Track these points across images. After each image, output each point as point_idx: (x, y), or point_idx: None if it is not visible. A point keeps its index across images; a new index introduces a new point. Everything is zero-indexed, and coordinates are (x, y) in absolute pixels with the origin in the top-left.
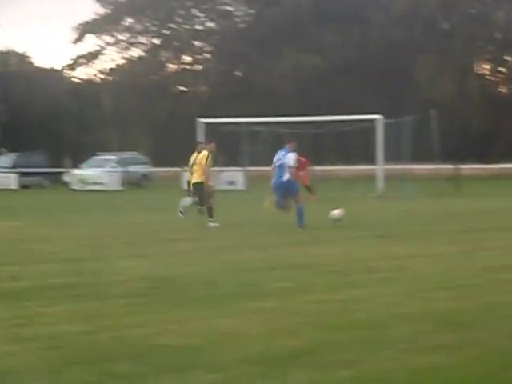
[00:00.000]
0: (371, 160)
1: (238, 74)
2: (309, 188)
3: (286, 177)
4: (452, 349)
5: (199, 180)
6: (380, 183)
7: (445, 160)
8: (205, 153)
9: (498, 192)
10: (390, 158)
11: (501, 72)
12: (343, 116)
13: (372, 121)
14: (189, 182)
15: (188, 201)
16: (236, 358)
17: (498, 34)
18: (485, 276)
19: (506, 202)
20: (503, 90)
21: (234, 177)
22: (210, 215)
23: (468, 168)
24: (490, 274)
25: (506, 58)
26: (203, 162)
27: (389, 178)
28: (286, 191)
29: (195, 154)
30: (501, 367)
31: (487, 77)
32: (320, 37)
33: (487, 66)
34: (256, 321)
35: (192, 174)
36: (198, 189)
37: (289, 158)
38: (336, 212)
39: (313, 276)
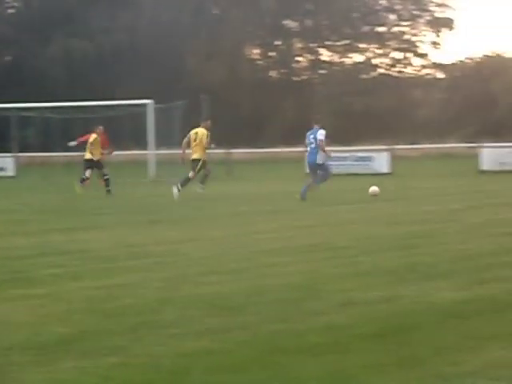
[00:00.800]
0: (143, 145)
1: (8, 58)
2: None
3: (318, 158)
4: (221, 333)
5: (197, 157)
6: (152, 168)
7: (216, 144)
8: (204, 131)
9: (269, 176)
10: (162, 142)
11: (271, 57)
12: (114, 101)
13: (143, 105)
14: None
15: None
16: (2, 346)
17: (267, 20)
18: (256, 259)
19: (277, 185)
20: (273, 74)
21: (3, 163)
22: (202, 182)
23: (240, 152)
24: (261, 258)
25: (276, 42)
26: (204, 140)
27: (160, 162)
28: (316, 169)
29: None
30: (269, 351)
31: (258, 61)
32: (90, 22)
33: (257, 51)
34: (23, 308)
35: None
36: (195, 164)
37: (320, 134)
38: (373, 188)
39: (83, 262)
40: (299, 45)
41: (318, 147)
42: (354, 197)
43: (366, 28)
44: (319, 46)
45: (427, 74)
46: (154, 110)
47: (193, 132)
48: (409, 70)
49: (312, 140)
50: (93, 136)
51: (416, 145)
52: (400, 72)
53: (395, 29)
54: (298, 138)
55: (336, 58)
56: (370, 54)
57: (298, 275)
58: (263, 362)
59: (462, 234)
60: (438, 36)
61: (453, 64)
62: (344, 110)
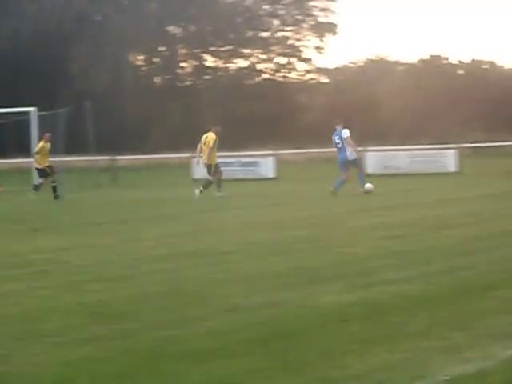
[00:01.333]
0: (27, 153)
1: None
2: None
3: (349, 154)
4: (103, 340)
5: (209, 162)
6: (36, 176)
7: (101, 151)
8: (213, 136)
9: (154, 182)
10: None
11: (155, 63)
12: None
13: (26, 113)
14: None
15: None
16: None
17: (151, 25)
18: (139, 266)
19: (163, 191)
20: (157, 80)
21: None
22: (219, 186)
23: (124, 159)
24: (144, 265)
25: (160, 48)
26: (210, 144)
27: None
28: (349, 165)
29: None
30: (154, 358)
31: (142, 67)
32: None
33: (141, 57)
34: None
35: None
36: (209, 169)
37: (344, 132)
38: (368, 186)
39: None
40: (183, 50)
41: (347, 144)
42: (240, 202)
43: (250, 33)
44: (203, 52)
45: (311, 79)
46: (37, 117)
47: (204, 136)
48: (293, 74)
49: (338, 140)
50: (40, 144)
51: (300, 149)
52: (284, 77)
53: (279, 34)
54: (183, 143)
55: (220, 64)
56: (254, 60)
57: (182, 281)
58: (148, 369)
59: (347, 238)
60: (321, 41)
61: (337, 68)
62: (229, 116)
